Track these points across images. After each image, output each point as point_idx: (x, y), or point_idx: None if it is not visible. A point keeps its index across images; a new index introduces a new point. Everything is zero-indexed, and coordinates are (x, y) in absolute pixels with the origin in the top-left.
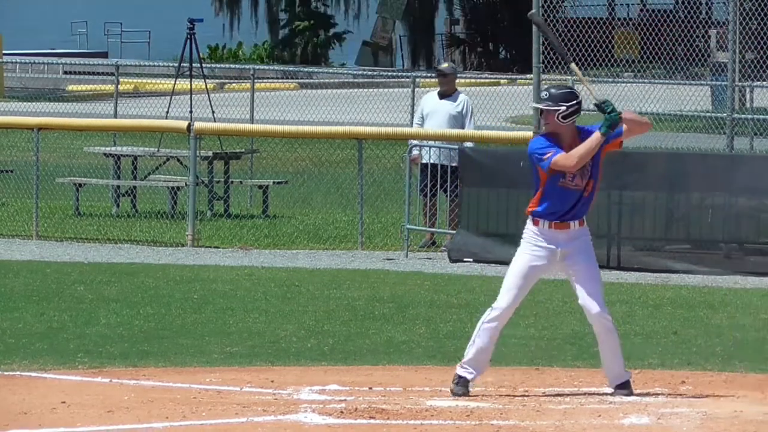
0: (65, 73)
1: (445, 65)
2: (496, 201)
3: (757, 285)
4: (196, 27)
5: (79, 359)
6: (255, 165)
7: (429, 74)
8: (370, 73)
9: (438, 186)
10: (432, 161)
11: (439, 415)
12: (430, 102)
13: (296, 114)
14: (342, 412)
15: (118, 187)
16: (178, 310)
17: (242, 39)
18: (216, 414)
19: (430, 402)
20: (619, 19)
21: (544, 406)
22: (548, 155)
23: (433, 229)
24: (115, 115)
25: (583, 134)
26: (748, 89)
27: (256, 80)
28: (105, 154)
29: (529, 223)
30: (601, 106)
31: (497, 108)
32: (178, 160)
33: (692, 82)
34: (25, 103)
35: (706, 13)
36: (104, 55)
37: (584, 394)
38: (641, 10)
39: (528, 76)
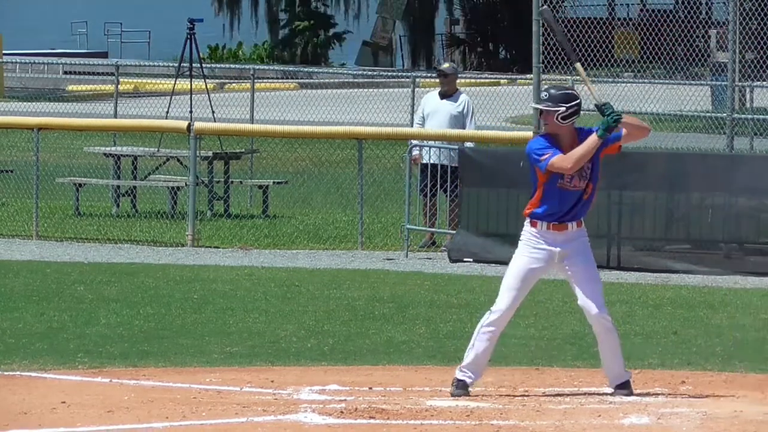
0: (65, 73)
1: (446, 65)
2: (496, 201)
3: (757, 285)
4: (196, 27)
5: (79, 359)
6: (255, 165)
7: (429, 74)
8: (370, 73)
9: (438, 186)
10: (432, 161)
11: (439, 415)
12: (431, 102)
13: (296, 114)
14: (342, 412)
15: (118, 187)
16: (178, 310)
17: (242, 39)
18: (216, 414)
19: (430, 402)
20: (619, 19)
21: (544, 406)
22: (546, 156)
23: (433, 229)
24: (115, 115)
25: (582, 136)
26: (748, 89)
27: (256, 80)
28: (105, 154)
29: (527, 225)
30: (601, 108)
31: (497, 108)
32: (178, 160)
33: (692, 82)
34: (25, 103)
35: (706, 13)
36: (104, 55)
37: (584, 394)
38: (641, 10)
39: (528, 76)
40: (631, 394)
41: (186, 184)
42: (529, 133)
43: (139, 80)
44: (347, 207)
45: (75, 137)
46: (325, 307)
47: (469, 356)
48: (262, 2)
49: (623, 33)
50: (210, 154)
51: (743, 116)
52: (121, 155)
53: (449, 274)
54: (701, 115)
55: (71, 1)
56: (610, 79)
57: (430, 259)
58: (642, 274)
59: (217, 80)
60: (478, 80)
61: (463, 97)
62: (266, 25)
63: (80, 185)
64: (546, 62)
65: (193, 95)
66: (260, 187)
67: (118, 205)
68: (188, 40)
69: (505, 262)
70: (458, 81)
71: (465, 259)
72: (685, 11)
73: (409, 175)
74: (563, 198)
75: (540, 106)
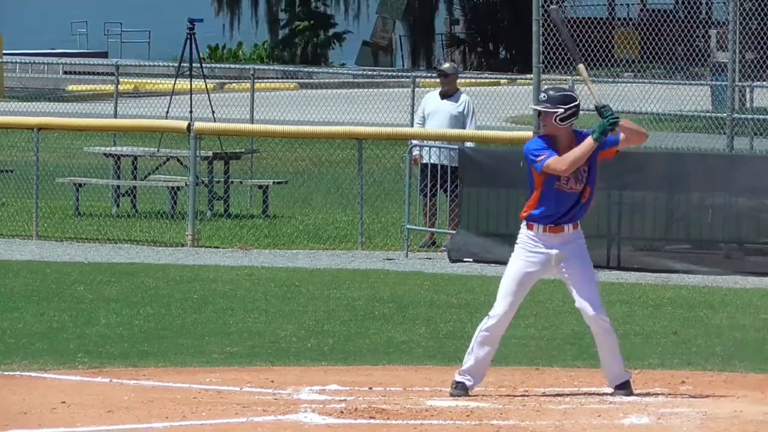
0: (65, 73)
1: (446, 65)
2: (496, 201)
3: (757, 285)
4: (196, 27)
5: (79, 359)
6: (255, 165)
7: (429, 74)
8: (370, 73)
9: (438, 186)
10: (432, 161)
11: (439, 415)
12: (432, 102)
13: (296, 114)
14: (342, 412)
15: (118, 187)
16: (178, 310)
17: (242, 39)
18: (216, 414)
19: (430, 402)
20: (619, 19)
21: (544, 406)
22: (542, 157)
23: (433, 229)
24: (115, 115)
25: (580, 138)
26: (748, 89)
27: (256, 80)
28: (105, 154)
29: (523, 228)
30: (600, 110)
31: (497, 108)
32: (178, 160)
33: (692, 82)
34: (25, 103)
35: (706, 13)
36: (104, 55)
37: (584, 394)
38: (641, 10)
39: (528, 76)
40: (631, 394)
41: (186, 184)
42: (529, 133)
43: (139, 80)
44: (347, 207)
45: (75, 137)
46: (325, 307)
47: (468, 361)
48: (262, 2)
49: (623, 33)
50: (210, 154)
51: (743, 116)
52: (121, 155)
53: (449, 274)
54: (701, 115)
55: (71, 1)
56: (610, 79)
57: (430, 259)
58: (642, 274)
59: (217, 80)
60: (478, 80)
61: (463, 98)
62: (266, 25)
63: (80, 185)
64: (546, 62)
65: (193, 95)
66: (260, 187)
67: (118, 205)
68: (188, 40)
69: (505, 262)
70: (458, 81)
71: (465, 259)
72: (685, 11)
73: (409, 175)
74: (560, 200)
75: (539, 107)
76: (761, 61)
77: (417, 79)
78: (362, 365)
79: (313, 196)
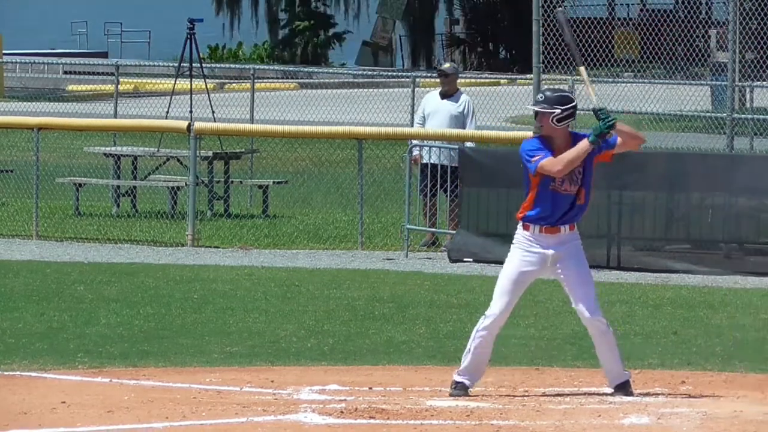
0: (65, 73)
1: (446, 65)
2: (496, 201)
3: (757, 285)
4: (196, 27)
5: (79, 359)
6: (255, 165)
7: (429, 74)
8: (370, 73)
9: (438, 186)
10: (432, 161)
11: (439, 415)
12: (432, 102)
13: (296, 114)
14: (342, 412)
15: (118, 187)
16: (178, 310)
17: (242, 39)
18: (216, 414)
19: (430, 402)
20: (619, 19)
21: (544, 406)
22: (536, 158)
23: (434, 230)
24: (115, 115)
25: (576, 139)
26: (748, 89)
27: (256, 80)
28: (105, 154)
29: (519, 228)
30: (597, 113)
31: (497, 108)
32: (178, 160)
33: (692, 82)
34: (25, 103)
35: (706, 13)
36: (104, 55)
37: (584, 394)
38: (641, 10)
39: (528, 76)
40: (631, 394)
41: (186, 184)
42: (529, 134)
43: (139, 80)
44: (347, 207)
45: (75, 137)
46: (325, 307)
47: (466, 360)
48: (262, 2)
49: (623, 33)
50: (210, 154)
51: (743, 116)
52: (121, 155)
53: (449, 274)
54: (701, 115)
55: (71, 1)
56: (610, 79)
57: (430, 259)
58: (642, 274)
59: (217, 80)
60: (478, 80)
61: (463, 98)
62: (266, 25)
63: (80, 185)
64: (546, 62)
65: (193, 95)
66: (260, 187)
67: (118, 205)
68: (188, 40)
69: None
70: (458, 81)
71: (465, 259)
72: (685, 11)
73: (409, 175)
74: (556, 201)
75: (536, 108)
76: (761, 61)
77: (417, 79)
78: (362, 365)
79: (313, 196)
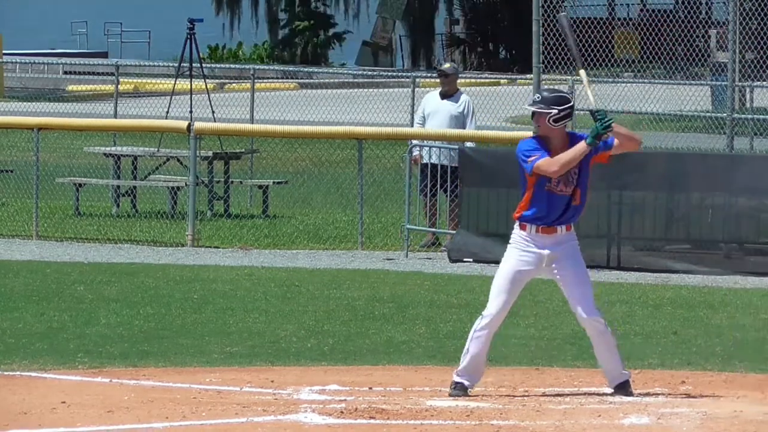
0: (65, 73)
1: (446, 65)
2: (496, 201)
3: (757, 285)
4: (196, 27)
5: (79, 359)
6: (255, 165)
7: (429, 74)
8: (370, 73)
9: (438, 186)
10: (432, 161)
11: (439, 415)
12: (432, 102)
13: (296, 114)
14: (342, 412)
15: (118, 187)
16: (178, 310)
17: (242, 39)
18: (216, 414)
19: (430, 402)
20: (619, 19)
21: (544, 406)
22: (533, 158)
23: (434, 230)
24: (115, 115)
25: (573, 140)
26: (748, 89)
27: (256, 80)
28: (105, 154)
29: (516, 228)
30: (594, 114)
31: (497, 108)
32: (178, 160)
33: (692, 82)
34: (25, 103)
35: (706, 13)
36: (104, 55)
37: (584, 394)
38: (641, 10)
39: (528, 76)
40: (630, 394)
41: (186, 184)
42: (529, 134)
43: (139, 80)
44: (347, 207)
45: (75, 137)
46: (325, 307)
47: (464, 361)
48: (262, 2)
49: (623, 33)
50: (210, 154)
51: (743, 116)
52: (121, 155)
53: (449, 274)
54: (701, 115)
55: (71, 1)
56: (610, 79)
57: (430, 259)
58: (642, 274)
59: (217, 80)
60: (478, 80)
61: (463, 98)
62: (266, 25)
63: (80, 185)
64: (546, 62)
65: (193, 95)
66: (260, 187)
67: (118, 205)
68: (188, 40)
69: None
70: (458, 81)
71: (465, 259)
72: (685, 11)
73: (409, 175)
74: (551, 202)
75: (532, 108)
76: (761, 61)
77: (417, 79)
78: (362, 365)
79: (313, 196)
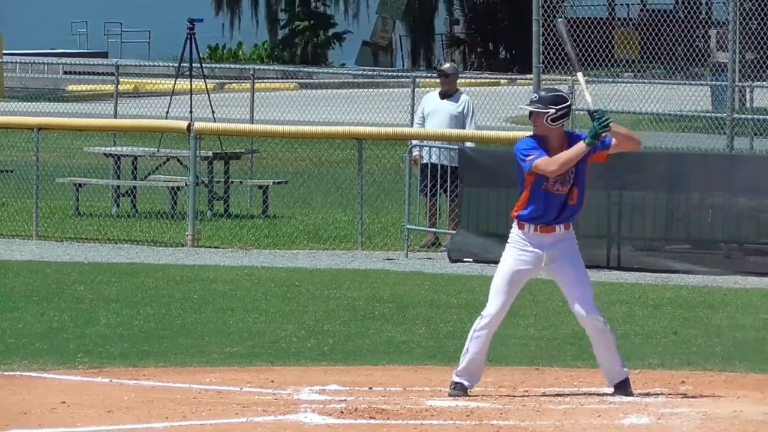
0: (65, 73)
1: (446, 65)
2: (496, 201)
3: (757, 285)
4: (196, 27)
5: (79, 359)
6: (255, 165)
7: (429, 74)
8: (370, 73)
9: (438, 186)
10: (432, 161)
11: (439, 415)
12: (432, 102)
13: (296, 114)
14: (342, 412)
15: (118, 187)
16: (178, 310)
17: (242, 39)
18: (216, 414)
19: (430, 402)
20: (619, 19)
21: (544, 406)
22: (531, 157)
23: (434, 230)
24: (115, 115)
25: (571, 139)
26: (748, 89)
27: (256, 80)
28: (105, 154)
29: (514, 227)
30: (592, 114)
31: (497, 108)
32: (178, 160)
33: (692, 82)
34: (25, 103)
35: (706, 13)
36: (104, 55)
37: (584, 394)
38: (641, 10)
39: (528, 76)
40: (630, 393)
41: (186, 184)
42: (529, 134)
43: (139, 80)
44: (347, 207)
45: (75, 137)
46: (325, 307)
47: (464, 361)
48: (262, 2)
49: (623, 33)
50: (210, 154)
51: (743, 116)
52: (121, 155)
53: (449, 274)
54: (701, 115)
55: (71, 1)
56: (610, 79)
57: (430, 259)
58: (642, 274)
59: (217, 80)
60: (478, 80)
61: (463, 98)
62: (266, 25)
63: (80, 185)
64: (546, 62)
65: (193, 95)
66: (260, 187)
67: (118, 205)
68: (188, 40)
69: None
70: (458, 81)
71: (465, 259)
72: (685, 11)
73: (409, 175)
74: (549, 201)
75: (530, 108)
76: (761, 61)
77: (417, 79)
78: (362, 365)
79: (313, 196)
